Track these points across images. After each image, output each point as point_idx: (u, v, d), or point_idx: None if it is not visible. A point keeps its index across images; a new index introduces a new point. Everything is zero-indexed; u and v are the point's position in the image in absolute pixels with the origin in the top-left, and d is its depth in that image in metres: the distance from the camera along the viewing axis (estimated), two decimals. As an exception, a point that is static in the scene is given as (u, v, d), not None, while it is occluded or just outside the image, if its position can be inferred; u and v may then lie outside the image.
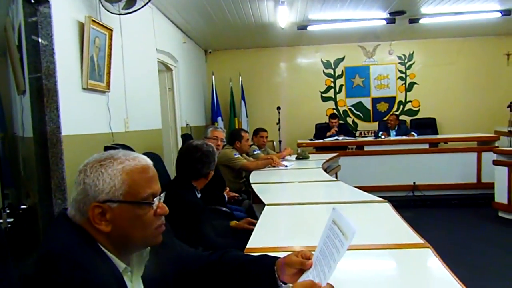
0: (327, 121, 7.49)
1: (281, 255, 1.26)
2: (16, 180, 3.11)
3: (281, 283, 1.21)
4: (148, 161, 1.10)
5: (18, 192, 3.08)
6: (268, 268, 1.22)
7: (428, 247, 1.57)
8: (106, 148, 2.68)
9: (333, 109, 8.38)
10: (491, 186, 5.28)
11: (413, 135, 6.73)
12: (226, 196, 3.55)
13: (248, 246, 1.68)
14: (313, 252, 1.21)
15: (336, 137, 6.82)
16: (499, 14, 6.06)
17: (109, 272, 0.98)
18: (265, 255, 1.31)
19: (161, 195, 1.10)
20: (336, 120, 7.25)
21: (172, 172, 4.17)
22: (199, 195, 2.42)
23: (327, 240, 1.14)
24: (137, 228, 1.04)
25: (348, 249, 1.03)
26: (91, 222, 1.00)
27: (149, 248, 1.12)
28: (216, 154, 2.48)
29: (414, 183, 6.22)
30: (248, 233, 1.88)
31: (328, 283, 1.05)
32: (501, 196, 5.04)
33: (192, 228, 2.14)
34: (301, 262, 1.17)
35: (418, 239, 1.68)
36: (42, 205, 2.76)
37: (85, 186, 1.01)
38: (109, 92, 3.50)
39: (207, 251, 1.38)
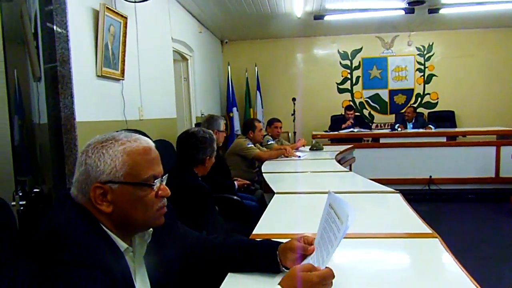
0: (343, 113, 7.43)
1: (285, 240, 1.26)
2: (34, 167, 3.17)
3: (283, 268, 1.22)
4: (150, 143, 1.10)
5: (35, 178, 3.14)
6: (271, 253, 1.23)
7: (436, 237, 1.55)
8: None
9: (349, 101, 8.30)
10: (510, 180, 5.20)
11: (431, 128, 6.61)
12: (236, 184, 3.54)
13: (254, 232, 1.68)
14: (315, 237, 1.21)
15: (351, 129, 6.76)
16: (523, 4, 5.88)
17: (110, 251, 0.99)
18: (269, 239, 1.31)
19: (163, 177, 1.10)
20: (352, 112, 7.18)
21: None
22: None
23: (325, 224, 1.14)
24: (138, 209, 1.04)
25: (355, 237, 1.02)
26: (92, 202, 1.01)
27: (151, 229, 1.13)
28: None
29: (430, 176, 6.12)
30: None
31: (327, 267, 1.05)
32: (519, 191, 4.93)
33: (198, 211, 2.16)
34: (303, 247, 1.18)
35: (427, 229, 1.66)
36: (57, 190, 2.81)
37: (87, 167, 1.02)
38: (123, 80, 3.53)
39: (212, 234, 1.38)
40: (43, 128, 2.90)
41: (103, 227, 1.03)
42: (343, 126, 6.98)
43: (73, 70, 2.79)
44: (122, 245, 1.05)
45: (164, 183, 1.10)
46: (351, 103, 8.23)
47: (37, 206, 2.46)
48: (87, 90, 2.99)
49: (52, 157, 2.86)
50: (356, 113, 7.48)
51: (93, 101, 3.09)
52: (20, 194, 1.91)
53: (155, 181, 1.07)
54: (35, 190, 2.12)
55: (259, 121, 4.76)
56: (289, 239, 1.23)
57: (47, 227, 0.96)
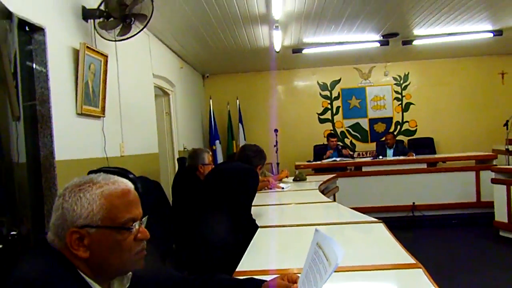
0: (325, 142, 7.51)
1: (270, 278, 1.25)
2: (12, 207, 3.09)
3: (267, 306, 1.20)
4: (129, 185, 1.09)
5: (13, 219, 3.06)
6: None
7: (420, 267, 1.55)
8: (90, 173, 2.69)
9: (331, 130, 8.41)
10: (491, 204, 5.25)
11: (412, 155, 6.73)
12: None
13: (237, 269, 1.66)
14: (299, 275, 1.20)
15: (334, 159, 6.82)
16: (491, 35, 6.15)
17: None
18: (252, 278, 1.29)
19: (143, 219, 1.09)
20: (335, 139, 7.27)
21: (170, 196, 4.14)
22: None
23: (312, 264, 1.13)
24: (116, 253, 1.02)
25: (338, 271, 1.02)
26: (68, 247, 0.99)
27: (130, 273, 1.10)
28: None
29: (413, 203, 6.18)
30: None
31: None
32: (501, 215, 5.00)
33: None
34: (286, 286, 1.16)
35: (411, 259, 1.66)
36: (35, 231, 2.74)
37: (63, 211, 1.00)
38: (104, 117, 3.52)
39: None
40: (21, 167, 2.84)
41: (80, 272, 1.00)
42: (324, 157, 7.01)
43: (52, 109, 2.78)
44: None
45: (143, 225, 1.08)
46: (332, 132, 8.34)
47: (15, 249, 2.38)
48: (67, 129, 2.97)
49: (31, 197, 2.80)
50: (338, 142, 7.57)
51: (73, 139, 3.06)
52: (-4, 238, 1.85)
53: (134, 224, 1.05)
54: (12, 233, 2.05)
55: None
56: (274, 277, 1.22)
57: (20, 275, 0.93)
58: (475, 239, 5.22)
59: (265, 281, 1.23)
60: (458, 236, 5.44)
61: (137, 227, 1.05)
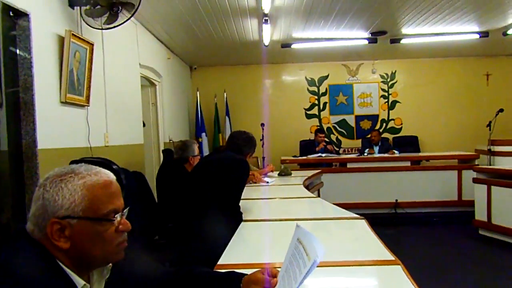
0: (313, 138, 7.55)
1: (251, 271, 1.25)
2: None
3: (246, 301, 1.20)
4: (111, 176, 1.08)
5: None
6: (234, 285, 1.21)
7: (399, 264, 1.57)
8: (72, 163, 2.66)
9: (317, 126, 8.44)
10: (471, 203, 5.34)
11: (394, 153, 6.81)
12: None
13: (219, 262, 1.66)
14: (279, 269, 1.20)
15: (319, 154, 6.86)
16: (477, 36, 6.23)
17: None
18: (232, 271, 1.29)
19: (124, 211, 1.08)
20: (323, 135, 7.32)
21: (155, 189, 4.12)
22: None
23: (292, 258, 1.13)
24: (97, 245, 1.01)
25: (319, 266, 1.03)
26: (49, 238, 0.98)
27: (110, 264, 1.10)
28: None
29: (396, 200, 6.26)
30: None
31: None
32: (481, 214, 5.09)
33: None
34: (266, 280, 1.17)
35: (390, 256, 1.68)
36: (16, 220, 2.70)
37: (44, 202, 0.98)
38: (88, 106, 3.48)
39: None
40: (3, 155, 2.80)
41: (60, 263, 0.99)
42: (317, 149, 7.08)
43: (36, 96, 2.74)
44: (79, 282, 1.01)
45: (124, 216, 1.08)
46: (318, 127, 8.39)
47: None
48: (50, 117, 2.93)
49: (12, 185, 2.77)
50: (325, 139, 7.61)
51: (56, 128, 3.02)
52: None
53: (116, 215, 1.04)
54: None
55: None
56: (254, 271, 1.23)
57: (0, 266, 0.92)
58: (456, 237, 5.32)
59: (246, 274, 1.24)
60: (439, 233, 5.53)
61: (118, 218, 1.05)
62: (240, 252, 1.90)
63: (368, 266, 1.63)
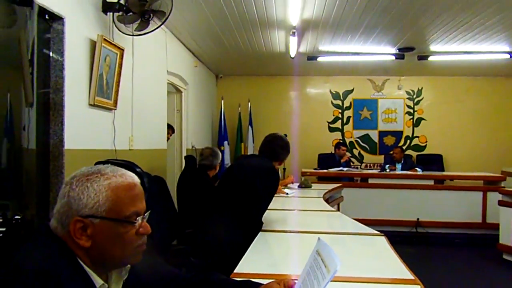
0: (333, 151, 7.51)
1: (265, 282, 1.25)
2: (18, 192, 3.13)
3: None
4: (135, 179, 1.10)
5: (18, 204, 3.10)
6: None
7: (419, 284, 1.54)
8: (97, 164, 2.72)
9: (340, 139, 8.38)
10: (496, 226, 5.20)
11: (416, 171, 6.69)
12: None
13: (235, 271, 1.66)
14: (296, 281, 1.19)
15: (340, 168, 6.80)
16: (508, 56, 6.09)
17: (84, 287, 0.98)
18: (248, 280, 1.29)
19: (146, 214, 1.10)
20: (345, 148, 7.32)
21: (175, 194, 4.16)
22: None
23: (310, 270, 1.13)
24: (117, 246, 1.03)
25: (337, 280, 1.03)
26: (71, 235, 1.00)
27: (129, 266, 1.11)
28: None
29: (417, 219, 6.13)
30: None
31: None
32: (505, 238, 4.94)
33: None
34: None
35: (410, 275, 1.65)
36: (39, 217, 2.77)
37: (69, 199, 1.01)
38: (115, 109, 3.55)
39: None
40: (30, 153, 2.88)
41: (80, 261, 1.01)
42: (342, 161, 7.04)
43: (65, 98, 2.82)
44: (97, 281, 1.03)
45: (145, 220, 1.09)
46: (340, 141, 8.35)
47: (18, 233, 2.41)
48: (78, 118, 3.00)
49: (37, 183, 2.84)
50: (350, 157, 7.59)
51: (83, 129, 3.09)
52: (1, 220, 1.87)
53: (137, 218, 1.06)
54: (16, 217, 2.08)
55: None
56: (270, 281, 1.22)
57: (21, 261, 0.95)
58: (478, 260, 5.17)
59: (262, 284, 1.23)
60: (460, 256, 5.39)
61: (140, 221, 1.07)
62: (256, 261, 1.89)
63: (386, 284, 1.61)
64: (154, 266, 1.25)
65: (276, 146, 2.87)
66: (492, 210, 5.77)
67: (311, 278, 1.10)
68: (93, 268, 1.03)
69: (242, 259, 1.83)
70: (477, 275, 4.65)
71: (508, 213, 4.91)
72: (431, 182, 6.40)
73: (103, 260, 1.04)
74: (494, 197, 5.61)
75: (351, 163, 7.42)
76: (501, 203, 5.07)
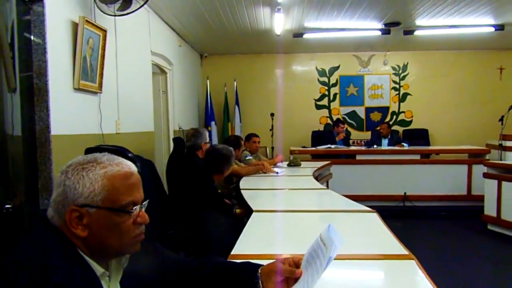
0: (322, 129, 7.55)
1: (265, 262, 1.25)
2: (4, 179, 3.07)
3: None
4: (132, 167, 1.08)
5: (6, 191, 3.04)
6: (250, 275, 1.21)
7: (413, 259, 1.57)
8: (87, 150, 2.68)
9: (327, 117, 8.41)
10: (481, 198, 5.31)
11: (403, 146, 6.77)
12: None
13: (232, 252, 1.66)
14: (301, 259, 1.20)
15: (328, 145, 6.83)
16: (493, 29, 6.13)
17: (85, 276, 0.97)
18: (248, 261, 1.29)
19: (143, 203, 1.08)
20: (344, 126, 7.42)
21: (164, 177, 4.12)
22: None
23: (313, 252, 1.14)
24: (114, 235, 1.02)
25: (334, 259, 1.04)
26: (68, 225, 0.99)
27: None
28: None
29: (404, 193, 6.24)
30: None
31: None
32: (490, 209, 5.06)
33: (205, 204, 2.80)
34: (290, 271, 1.16)
35: (404, 251, 1.68)
36: (29, 204, 2.73)
37: (65, 188, 0.99)
38: (101, 93, 3.48)
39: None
40: (16, 140, 2.82)
41: (79, 251, 1.00)
42: (337, 139, 7.09)
43: (49, 82, 2.75)
44: (98, 269, 1.02)
45: (143, 209, 1.08)
46: (328, 119, 8.36)
47: (7, 222, 2.38)
48: (63, 103, 2.94)
49: (25, 170, 2.79)
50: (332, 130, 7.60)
51: (69, 114, 3.03)
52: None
53: (134, 207, 1.04)
54: (6, 206, 2.04)
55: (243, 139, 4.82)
56: (274, 261, 1.22)
57: (21, 254, 0.93)
58: (464, 231, 5.29)
59: (262, 265, 1.23)
60: (447, 228, 5.51)
61: (137, 210, 1.05)
62: (252, 242, 1.90)
63: (382, 260, 1.63)
64: (153, 251, 1.25)
65: (215, 158, 3.20)
66: (477, 183, 5.89)
67: (314, 258, 1.11)
68: (92, 257, 1.02)
69: (238, 240, 1.84)
70: (463, 245, 4.77)
71: (493, 185, 5.01)
72: (418, 157, 6.49)
73: (101, 250, 1.03)
74: (479, 169, 5.72)
75: (350, 139, 7.51)
76: (486, 175, 5.17)
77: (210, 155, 3.25)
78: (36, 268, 0.89)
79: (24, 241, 0.97)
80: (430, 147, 7.53)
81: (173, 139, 4.70)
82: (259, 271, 1.21)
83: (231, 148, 3.32)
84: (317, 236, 1.17)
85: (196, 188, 3.01)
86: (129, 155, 2.26)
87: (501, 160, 5.89)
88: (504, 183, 4.87)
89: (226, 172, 3.23)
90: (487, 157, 6.26)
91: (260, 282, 1.18)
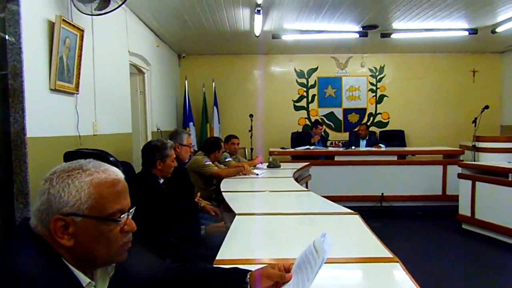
0: (301, 130, 7.58)
1: (251, 267, 1.24)
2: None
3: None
4: (119, 174, 1.05)
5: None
6: (239, 281, 1.20)
7: (397, 262, 1.58)
8: (66, 154, 2.61)
9: (306, 118, 8.46)
10: (455, 198, 5.43)
11: (380, 147, 6.88)
12: (199, 203, 3.39)
13: (217, 257, 1.65)
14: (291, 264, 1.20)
15: (307, 147, 6.87)
16: (466, 33, 6.29)
17: (70, 287, 0.93)
18: (236, 267, 1.28)
19: (130, 211, 1.05)
20: (323, 127, 7.41)
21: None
22: (161, 181, 2.91)
23: (305, 257, 1.14)
24: (101, 244, 0.99)
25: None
26: (53, 234, 0.95)
27: None
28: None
29: (382, 194, 6.33)
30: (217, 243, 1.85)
31: None
32: (464, 209, 5.19)
33: (155, 210, 2.58)
34: (280, 275, 1.16)
35: (388, 253, 1.69)
36: (4, 209, 2.64)
37: (49, 197, 0.96)
38: (78, 94, 3.40)
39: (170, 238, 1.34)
40: (-11, 143, 2.73)
41: (64, 261, 0.96)
42: (313, 140, 7.11)
43: (25, 83, 2.66)
44: (84, 279, 0.99)
45: (130, 216, 1.05)
46: (307, 120, 8.41)
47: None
48: (39, 104, 2.86)
49: (0, 174, 2.69)
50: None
51: (45, 116, 2.95)
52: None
53: (122, 215, 1.02)
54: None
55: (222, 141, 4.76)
56: (264, 265, 1.22)
57: (3, 265, 0.89)
58: (439, 230, 5.41)
59: (250, 270, 1.23)
60: (423, 227, 5.61)
61: (125, 218, 1.02)
62: (236, 247, 1.88)
63: (366, 263, 1.64)
64: (139, 259, 1.22)
65: (144, 153, 2.96)
66: (452, 183, 6.03)
67: (305, 263, 1.11)
68: (78, 267, 0.99)
69: (222, 245, 1.82)
70: (439, 244, 4.87)
71: (467, 185, 5.14)
72: (394, 158, 6.60)
73: (87, 259, 0.99)
74: (453, 170, 5.86)
75: (328, 141, 7.55)
76: (460, 175, 5.30)
77: (142, 151, 2.98)
78: (20, 279, 0.85)
79: (7, 251, 0.93)
80: (406, 148, 7.67)
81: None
82: (248, 276, 1.20)
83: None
84: (311, 242, 1.17)
85: (145, 199, 2.64)
86: (111, 159, 2.21)
87: (474, 161, 6.04)
88: (478, 183, 5.01)
89: (161, 163, 2.87)
90: (461, 158, 6.42)
91: (249, 287, 1.18)
